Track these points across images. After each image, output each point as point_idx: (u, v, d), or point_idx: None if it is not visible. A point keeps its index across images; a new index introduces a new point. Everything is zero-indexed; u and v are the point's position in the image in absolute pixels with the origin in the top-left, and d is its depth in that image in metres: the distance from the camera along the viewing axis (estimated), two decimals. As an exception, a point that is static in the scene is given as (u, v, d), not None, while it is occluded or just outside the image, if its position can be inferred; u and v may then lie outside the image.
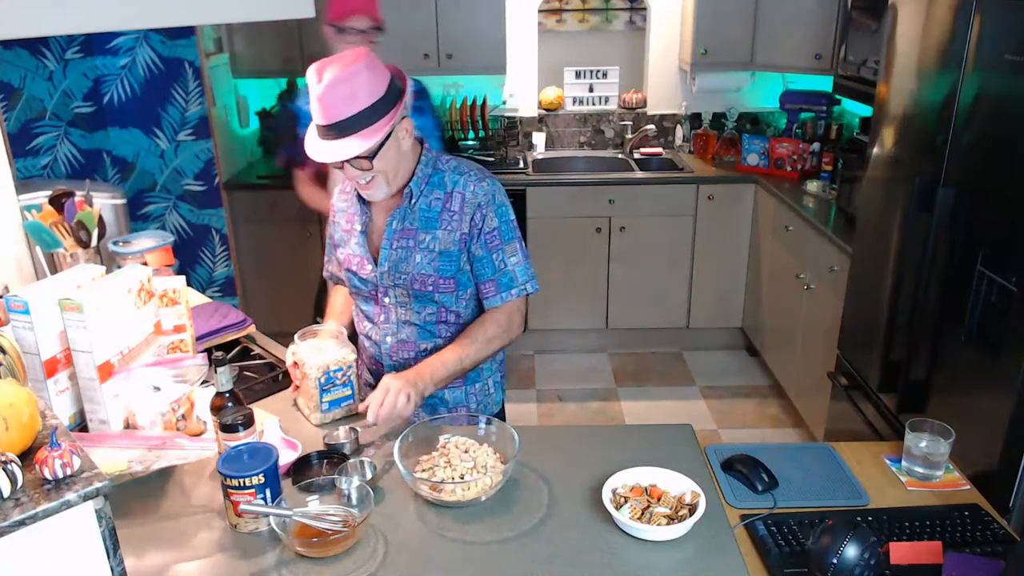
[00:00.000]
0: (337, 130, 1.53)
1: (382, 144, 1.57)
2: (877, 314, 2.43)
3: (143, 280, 1.55)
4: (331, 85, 1.50)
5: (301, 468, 1.44)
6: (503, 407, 1.95)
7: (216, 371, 1.38)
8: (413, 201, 1.69)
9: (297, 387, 1.68)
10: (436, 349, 1.75)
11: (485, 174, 1.72)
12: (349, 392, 1.64)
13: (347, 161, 1.58)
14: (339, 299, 1.95)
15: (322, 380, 1.58)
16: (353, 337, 1.84)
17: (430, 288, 1.70)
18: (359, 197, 1.74)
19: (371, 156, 1.57)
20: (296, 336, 1.70)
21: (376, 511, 1.32)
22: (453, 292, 1.72)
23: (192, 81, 3.61)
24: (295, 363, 1.66)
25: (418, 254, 1.69)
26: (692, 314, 4.09)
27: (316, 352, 1.63)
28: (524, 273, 1.73)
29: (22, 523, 0.88)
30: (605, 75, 4.34)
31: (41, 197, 2.00)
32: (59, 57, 3.25)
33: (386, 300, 1.76)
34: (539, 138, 4.32)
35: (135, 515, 1.32)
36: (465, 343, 1.69)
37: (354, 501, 1.30)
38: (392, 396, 1.54)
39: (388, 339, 1.78)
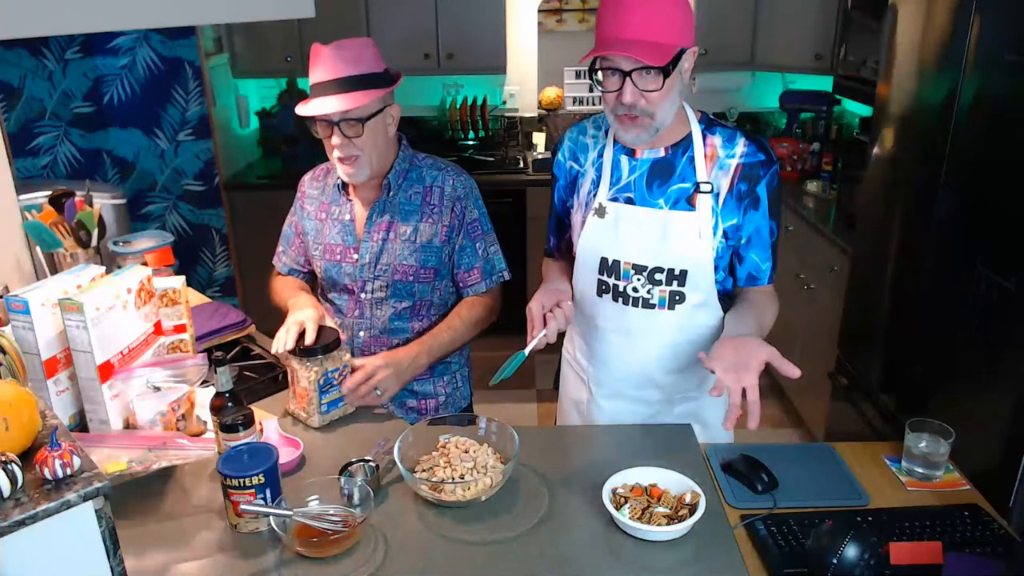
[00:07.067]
0: (338, 85, 1.59)
1: (374, 114, 1.62)
2: (877, 314, 2.44)
3: (143, 280, 1.55)
4: (339, 47, 1.59)
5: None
6: (471, 403, 1.98)
7: (216, 371, 1.37)
8: (392, 193, 1.74)
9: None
10: (408, 343, 1.78)
11: (460, 170, 1.80)
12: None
13: (338, 124, 1.60)
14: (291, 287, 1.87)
15: (320, 382, 1.58)
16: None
17: (411, 279, 1.75)
18: (338, 187, 1.78)
19: (363, 120, 1.60)
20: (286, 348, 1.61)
21: (376, 511, 1.32)
22: (432, 283, 1.77)
23: (192, 81, 3.61)
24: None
25: (399, 245, 1.74)
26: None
27: (312, 356, 1.61)
28: (502, 262, 1.83)
29: (22, 523, 0.88)
30: (605, 75, 4.34)
31: (41, 197, 2.00)
32: (59, 57, 3.25)
33: (363, 296, 1.78)
34: (539, 138, 4.32)
35: (135, 515, 1.31)
36: (456, 324, 1.76)
37: (355, 501, 1.30)
38: (368, 387, 1.60)
39: (361, 334, 1.82)
